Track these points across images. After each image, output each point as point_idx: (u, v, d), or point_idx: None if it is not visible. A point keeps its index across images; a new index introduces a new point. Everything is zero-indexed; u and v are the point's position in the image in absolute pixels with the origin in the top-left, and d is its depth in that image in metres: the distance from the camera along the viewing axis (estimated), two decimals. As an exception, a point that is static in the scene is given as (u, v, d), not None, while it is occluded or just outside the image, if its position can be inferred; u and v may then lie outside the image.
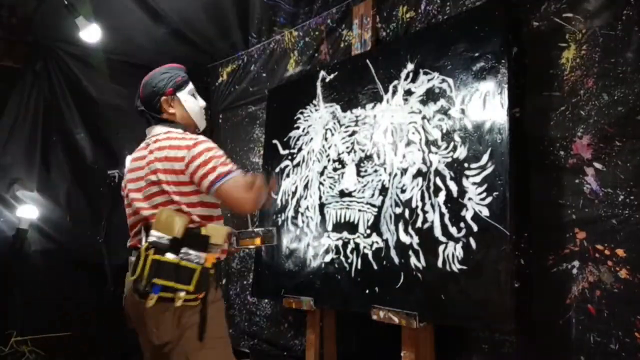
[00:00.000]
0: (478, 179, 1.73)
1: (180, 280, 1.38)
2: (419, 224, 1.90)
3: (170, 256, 1.40)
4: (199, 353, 1.44)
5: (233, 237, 1.64)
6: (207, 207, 1.55)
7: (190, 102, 1.67)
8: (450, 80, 1.89)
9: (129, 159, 1.73)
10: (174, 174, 1.51)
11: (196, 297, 1.41)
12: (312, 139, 2.50)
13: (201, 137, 1.57)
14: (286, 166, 2.62)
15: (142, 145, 1.68)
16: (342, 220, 2.23)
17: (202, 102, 1.72)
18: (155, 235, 1.42)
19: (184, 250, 1.42)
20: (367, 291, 2.04)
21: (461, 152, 1.81)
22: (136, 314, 1.51)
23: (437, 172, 1.88)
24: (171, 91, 1.64)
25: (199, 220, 1.50)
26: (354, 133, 2.26)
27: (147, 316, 1.45)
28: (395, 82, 2.11)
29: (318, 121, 2.48)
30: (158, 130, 1.64)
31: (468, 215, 1.74)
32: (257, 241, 1.73)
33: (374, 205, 2.10)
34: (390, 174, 2.06)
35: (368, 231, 2.10)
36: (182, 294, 1.38)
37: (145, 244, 1.42)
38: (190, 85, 1.69)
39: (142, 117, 1.69)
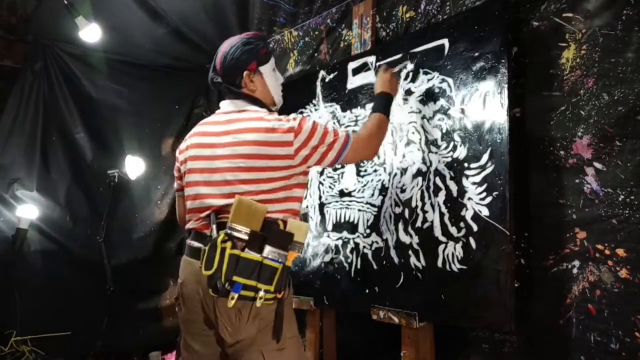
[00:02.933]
0: (478, 179, 1.73)
1: (261, 280, 1.32)
2: (419, 224, 1.90)
3: (252, 253, 1.32)
4: (275, 353, 1.38)
5: None
6: (294, 202, 1.48)
7: (272, 78, 1.59)
8: (450, 80, 1.89)
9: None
10: (265, 159, 1.40)
11: (275, 297, 1.35)
12: (312, 139, 2.50)
13: (297, 117, 1.48)
14: (286, 166, 2.62)
15: (217, 119, 1.55)
16: (342, 220, 2.23)
17: (281, 78, 1.65)
18: (233, 227, 1.32)
19: (268, 247, 1.34)
20: (367, 291, 2.04)
21: (461, 152, 1.81)
22: (203, 308, 1.41)
23: (437, 172, 1.88)
24: (255, 65, 1.54)
25: (280, 215, 1.41)
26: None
27: (220, 313, 1.35)
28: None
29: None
30: (242, 106, 1.53)
31: (468, 215, 1.74)
32: None
33: (374, 205, 2.10)
34: (390, 174, 2.06)
35: (368, 231, 2.10)
36: (263, 293, 1.31)
37: (222, 235, 1.31)
38: (273, 60, 1.60)
39: (216, 89, 1.61)
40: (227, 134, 1.47)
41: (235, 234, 1.32)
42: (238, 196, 1.36)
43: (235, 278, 1.29)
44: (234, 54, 1.53)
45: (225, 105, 1.58)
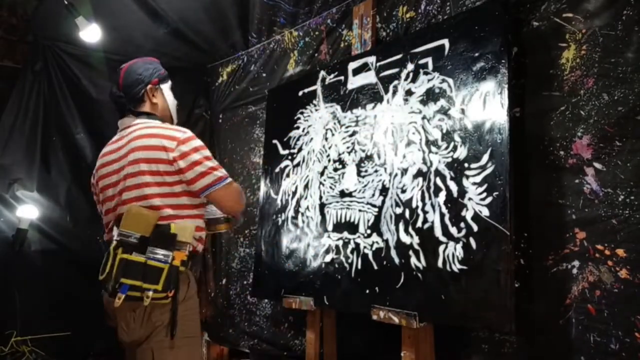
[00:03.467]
0: (478, 179, 1.73)
1: (147, 280, 1.39)
2: (419, 224, 1.90)
3: (137, 255, 1.40)
4: (168, 351, 1.44)
5: (203, 232, 1.64)
6: (193, 197, 1.54)
7: (170, 96, 1.72)
8: (450, 80, 1.89)
9: (101, 152, 1.72)
10: (159, 163, 1.49)
11: (166, 296, 1.41)
12: (312, 139, 2.50)
13: (189, 132, 1.57)
14: (286, 166, 2.62)
15: (115, 137, 1.67)
16: (343, 220, 2.23)
17: (175, 101, 1.77)
18: (123, 233, 1.41)
19: (150, 249, 1.41)
20: (367, 291, 2.04)
21: (461, 152, 1.81)
22: (111, 312, 1.52)
23: (437, 172, 1.88)
24: (157, 81, 1.67)
25: (172, 214, 1.48)
26: (354, 133, 2.26)
27: (118, 315, 1.47)
28: (396, 82, 2.11)
29: (318, 121, 2.48)
30: (135, 120, 1.63)
31: (468, 215, 1.74)
32: (223, 227, 1.77)
33: (374, 206, 2.10)
34: (390, 174, 2.06)
35: (368, 231, 2.10)
36: (150, 293, 1.38)
37: (114, 242, 1.41)
38: (170, 82, 1.74)
39: (117, 105, 1.69)
40: (121, 148, 1.58)
41: (125, 239, 1.40)
42: (130, 204, 1.47)
43: (123, 280, 1.38)
44: (137, 70, 1.66)
45: (121, 123, 1.70)
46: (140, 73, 1.65)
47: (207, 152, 1.55)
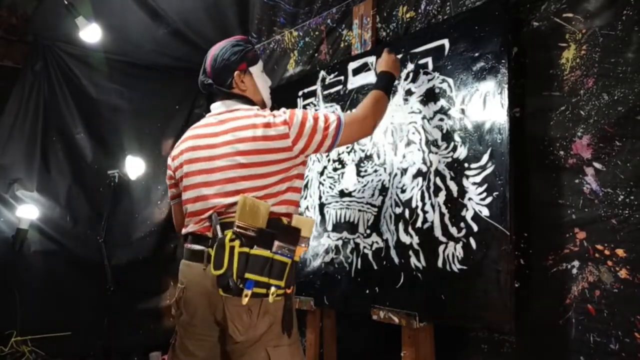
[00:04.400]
0: (478, 179, 1.73)
1: (272, 275, 1.33)
2: (419, 224, 1.90)
3: (262, 250, 1.33)
4: (285, 348, 1.40)
5: None
6: (295, 192, 1.50)
7: (261, 79, 1.64)
8: (450, 80, 1.89)
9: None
10: (265, 153, 1.42)
11: (285, 292, 1.37)
12: (312, 139, 2.50)
13: (287, 111, 1.51)
14: (286, 166, 2.62)
15: (210, 120, 1.56)
16: (342, 220, 2.23)
17: (269, 81, 1.70)
18: (239, 225, 1.33)
19: (277, 243, 1.35)
20: (367, 291, 2.04)
21: (461, 152, 1.81)
22: (210, 309, 1.40)
23: (437, 172, 1.88)
24: (245, 65, 1.58)
25: (283, 207, 1.43)
26: (354, 133, 2.26)
27: (230, 312, 1.36)
28: (395, 82, 2.11)
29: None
30: (233, 105, 1.54)
31: (468, 215, 1.74)
32: None
33: (374, 205, 2.10)
34: (390, 174, 2.06)
35: (368, 231, 2.10)
36: (274, 289, 1.33)
37: (229, 234, 1.32)
38: (261, 62, 1.65)
39: (206, 91, 1.62)
40: (224, 133, 1.48)
41: (243, 232, 1.33)
42: (242, 195, 1.37)
43: (247, 275, 1.30)
44: (224, 55, 1.58)
45: (217, 106, 1.59)
46: (228, 58, 1.57)
47: (311, 114, 1.49)
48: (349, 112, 1.63)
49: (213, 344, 1.45)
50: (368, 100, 1.68)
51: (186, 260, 1.49)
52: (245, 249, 1.31)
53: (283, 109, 1.52)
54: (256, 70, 1.62)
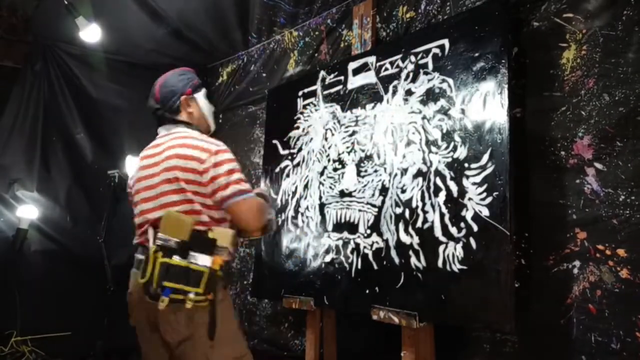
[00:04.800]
0: (478, 179, 1.73)
1: (189, 283, 1.43)
2: (419, 224, 1.90)
3: (178, 259, 1.44)
4: (212, 351, 1.49)
5: (239, 238, 1.66)
6: (216, 210, 1.58)
7: (206, 104, 1.74)
8: (450, 80, 1.89)
9: (133, 159, 1.75)
10: (192, 172, 1.53)
11: (206, 298, 1.45)
12: (312, 139, 2.50)
13: (222, 145, 1.61)
14: (286, 166, 2.62)
15: (155, 142, 1.70)
16: (342, 220, 2.23)
17: (212, 107, 1.81)
18: (162, 237, 1.45)
19: (192, 253, 1.46)
20: (367, 291, 2.04)
21: (461, 152, 1.81)
22: (146, 313, 1.55)
23: (437, 172, 1.87)
24: (190, 91, 1.70)
25: (208, 221, 1.54)
26: (354, 133, 2.26)
27: (160, 317, 1.50)
28: (395, 82, 2.11)
29: (318, 121, 2.48)
30: (174, 129, 1.67)
31: (468, 215, 1.74)
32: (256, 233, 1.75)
33: (374, 205, 2.10)
34: (390, 174, 2.06)
35: (368, 231, 2.10)
36: (192, 295, 1.43)
37: (154, 246, 1.45)
38: (204, 89, 1.76)
39: (155, 116, 1.73)
40: (161, 153, 1.61)
41: (165, 244, 1.44)
42: (167, 209, 1.50)
43: (165, 283, 1.42)
44: (171, 82, 1.70)
45: (161, 130, 1.71)
46: (174, 84, 1.69)
47: (236, 165, 1.60)
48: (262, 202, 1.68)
49: (159, 345, 1.57)
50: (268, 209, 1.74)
51: (133, 268, 1.63)
52: (166, 259, 1.43)
53: (222, 144, 1.60)
54: (200, 96, 1.73)
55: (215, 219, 1.55)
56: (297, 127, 2.60)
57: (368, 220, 2.11)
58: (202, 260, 1.46)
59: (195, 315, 1.47)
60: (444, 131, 1.88)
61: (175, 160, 1.55)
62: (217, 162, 1.53)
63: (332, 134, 2.38)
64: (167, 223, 1.47)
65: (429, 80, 1.98)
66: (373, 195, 2.11)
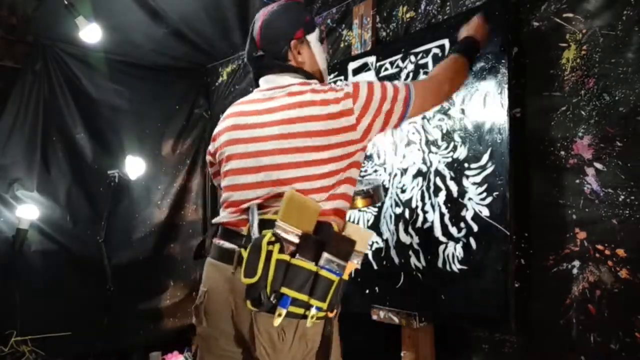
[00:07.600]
0: (478, 179, 1.73)
1: (314, 294, 1.08)
2: (419, 224, 1.90)
3: (305, 261, 1.09)
4: None
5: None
6: (351, 185, 1.25)
7: (319, 47, 1.36)
8: (450, 80, 1.89)
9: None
10: (326, 135, 1.17)
11: (326, 315, 1.12)
12: (312, 139, 2.50)
13: (349, 82, 1.26)
14: (286, 166, 2.62)
15: (256, 96, 1.31)
16: (342, 220, 2.22)
17: (326, 50, 1.52)
18: (281, 226, 1.09)
19: (325, 255, 1.10)
20: (367, 291, 2.04)
21: (461, 152, 1.81)
22: (233, 321, 1.19)
23: (437, 172, 1.88)
24: (302, 33, 1.31)
25: (336, 203, 1.19)
26: (354, 133, 2.26)
27: (259, 330, 1.12)
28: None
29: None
30: (286, 80, 1.28)
31: (468, 215, 1.74)
32: (367, 201, 1.51)
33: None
34: (390, 174, 2.06)
35: (368, 231, 2.10)
36: (314, 311, 1.08)
37: (269, 235, 1.08)
38: (318, 28, 1.38)
39: (255, 64, 1.35)
40: (272, 111, 1.23)
41: (284, 235, 1.08)
42: (290, 189, 1.14)
43: (284, 290, 1.07)
44: (277, 22, 1.31)
45: (266, 80, 1.33)
46: (282, 25, 1.30)
47: (378, 83, 1.24)
48: (421, 79, 1.41)
49: None
50: (445, 63, 1.40)
51: (213, 259, 1.26)
52: (285, 257, 1.08)
53: (345, 82, 1.30)
54: (313, 38, 1.35)
55: (344, 197, 1.20)
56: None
57: (368, 220, 2.11)
58: (336, 267, 1.10)
59: (307, 335, 1.12)
60: (444, 131, 1.88)
61: (309, 123, 1.18)
62: (364, 103, 1.19)
63: (332, 134, 2.37)
64: (289, 207, 1.09)
65: (428, 80, 1.97)
66: (373, 195, 2.11)
